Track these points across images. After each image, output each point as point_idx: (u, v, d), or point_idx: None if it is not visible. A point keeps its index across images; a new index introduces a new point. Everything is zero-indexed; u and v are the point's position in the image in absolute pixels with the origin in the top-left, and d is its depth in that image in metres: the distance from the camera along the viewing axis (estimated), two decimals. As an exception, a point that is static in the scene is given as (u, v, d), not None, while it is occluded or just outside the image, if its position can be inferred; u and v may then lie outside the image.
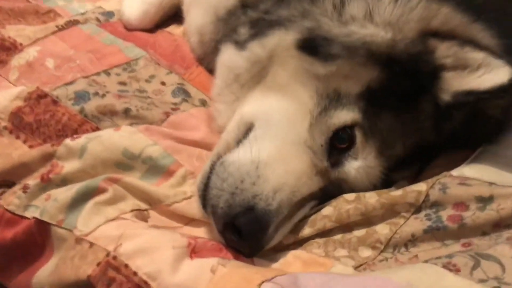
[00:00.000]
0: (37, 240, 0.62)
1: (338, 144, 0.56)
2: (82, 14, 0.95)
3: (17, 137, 0.70)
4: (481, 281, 0.44)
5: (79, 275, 0.53)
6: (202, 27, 0.75)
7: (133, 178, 0.60)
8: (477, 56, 0.54)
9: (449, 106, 0.55)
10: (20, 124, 0.71)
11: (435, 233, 0.52)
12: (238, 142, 0.58)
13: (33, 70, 0.80)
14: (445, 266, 0.45)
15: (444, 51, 0.55)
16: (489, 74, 0.54)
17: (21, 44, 0.85)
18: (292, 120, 0.57)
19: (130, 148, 0.62)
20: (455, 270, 0.45)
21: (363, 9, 0.57)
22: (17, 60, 0.81)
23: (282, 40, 0.59)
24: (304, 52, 0.57)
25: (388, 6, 0.56)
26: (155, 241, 0.53)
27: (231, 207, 0.52)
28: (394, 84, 0.55)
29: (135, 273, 0.50)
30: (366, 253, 0.53)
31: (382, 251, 0.53)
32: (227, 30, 0.68)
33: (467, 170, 0.57)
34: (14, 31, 0.87)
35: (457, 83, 0.55)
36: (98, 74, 0.78)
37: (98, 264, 0.52)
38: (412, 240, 0.52)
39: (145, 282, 0.49)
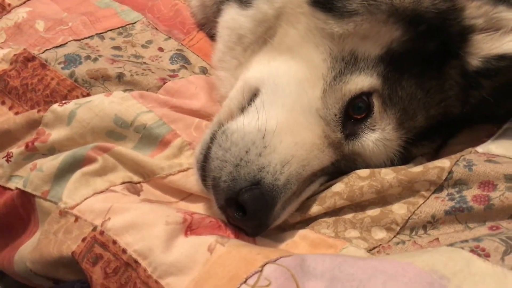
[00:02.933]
0: (20, 213, 0.57)
1: (354, 114, 0.51)
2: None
3: (2, 103, 0.65)
4: (514, 268, 0.39)
5: (63, 251, 0.48)
6: None
7: (125, 148, 0.54)
8: (512, 16, 0.49)
9: (478, 73, 0.50)
10: (5, 88, 0.65)
11: (458, 215, 0.46)
12: (242, 109, 0.53)
13: (21, 32, 0.74)
14: (472, 251, 0.40)
15: (475, 10, 0.49)
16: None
17: (9, 5, 0.79)
18: (302, 86, 0.51)
19: (122, 115, 0.56)
20: (484, 255, 0.40)
21: None
22: (4, 21, 0.76)
23: None
24: (317, 8, 0.51)
25: None
26: (147, 216, 0.47)
27: (234, 180, 0.47)
28: (418, 46, 0.49)
29: (124, 250, 0.45)
30: (380, 234, 0.48)
31: (398, 233, 0.47)
32: None
33: (494, 147, 0.51)
34: (2, -10, 0.81)
35: (488, 46, 0.50)
36: (91, 37, 0.72)
37: (84, 240, 0.47)
38: (432, 222, 0.47)
39: (135, 261, 0.44)
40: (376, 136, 0.51)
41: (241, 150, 0.48)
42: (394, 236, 0.47)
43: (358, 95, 0.50)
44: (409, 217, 0.47)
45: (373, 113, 0.50)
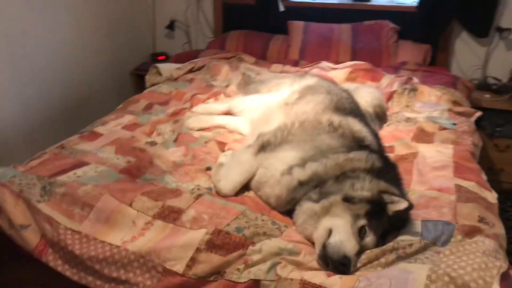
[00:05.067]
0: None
1: (361, 233, 1.49)
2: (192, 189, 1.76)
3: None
4: None
5: None
6: (279, 196, 1.65)
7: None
8: (395, 198, 1.57)
9: (391, 215, 1.54)
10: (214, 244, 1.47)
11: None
12: (327, 238, 1.46)
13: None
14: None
15: (387, 197, 1.55)
16: (398, 205, 1.56)
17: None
18: (346, 226, 1.47)
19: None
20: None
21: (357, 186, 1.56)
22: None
23: (336, 199, 1.52)
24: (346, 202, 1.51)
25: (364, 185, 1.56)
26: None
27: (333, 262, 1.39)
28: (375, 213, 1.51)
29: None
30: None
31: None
32: (300, 195, 1.60)
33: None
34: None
35: (391, 208, 1.55)
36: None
37: None
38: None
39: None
40: (369, 239, 1.48)
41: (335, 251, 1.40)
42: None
43: (361, 226, 1.48)
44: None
45: (366, 232, 1.46)
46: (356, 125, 1.84)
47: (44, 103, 2.96)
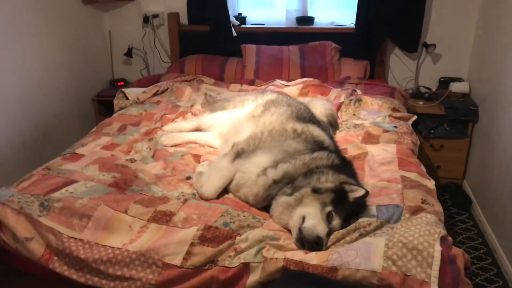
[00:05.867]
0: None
1: (328, 217, 1.77)
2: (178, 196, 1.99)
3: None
4: None
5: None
6: (257, 194, 1.91)
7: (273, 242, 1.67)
8: (354, 188, 1.87)
9: (351, 201, 1.83)
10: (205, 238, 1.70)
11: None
12: (301, 223, 1.73)
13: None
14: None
15: (348, 187, 1.85)
16: (357, 192, 1.87)
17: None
18: (316, 213, 1.74)
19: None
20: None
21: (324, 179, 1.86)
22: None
23: (306, 191, 1.80)
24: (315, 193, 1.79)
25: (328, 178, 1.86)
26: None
27: (308, 242, 1.66)
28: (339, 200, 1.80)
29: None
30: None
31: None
32: (274, 192, 1.87)
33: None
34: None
35: (351, 195, 1.85)
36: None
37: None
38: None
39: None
40: (335, 222, 1.76)
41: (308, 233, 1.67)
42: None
43: (329, 212, 1.77)
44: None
45: (333, 216, 1.74)
46: (315, 131, 2.15)
47: (14, 133, 3.06)
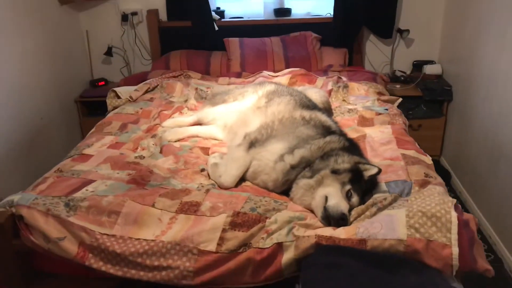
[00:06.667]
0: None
1: (348, 195, 1.90)
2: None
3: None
4: None
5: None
6: (276, 180, 2.01)
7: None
8: (368, 166, 2.01)
9: (366, 179, 1.97)
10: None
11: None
12: (325, 202, 1.84)
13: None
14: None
15: (362, 166, 1.98)
16: (371, 170, 2.00)
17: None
18: (337, 192, 1.86)
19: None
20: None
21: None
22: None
23: (326, 172, 1.91)
24: (334, 174, 1.91)
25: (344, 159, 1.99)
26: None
27: (334, 219, 1.78)
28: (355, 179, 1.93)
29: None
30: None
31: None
32: (292, 176, 1.97)
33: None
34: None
35: (366, 173, 1.98)
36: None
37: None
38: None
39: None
40: (354, 200, 1.89)
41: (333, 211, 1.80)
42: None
43: (348, 190, 1.90)
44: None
45: (352, 194, 1.88)
46: (322, 117, 2.28)
47: (1, 138, 3.01)
